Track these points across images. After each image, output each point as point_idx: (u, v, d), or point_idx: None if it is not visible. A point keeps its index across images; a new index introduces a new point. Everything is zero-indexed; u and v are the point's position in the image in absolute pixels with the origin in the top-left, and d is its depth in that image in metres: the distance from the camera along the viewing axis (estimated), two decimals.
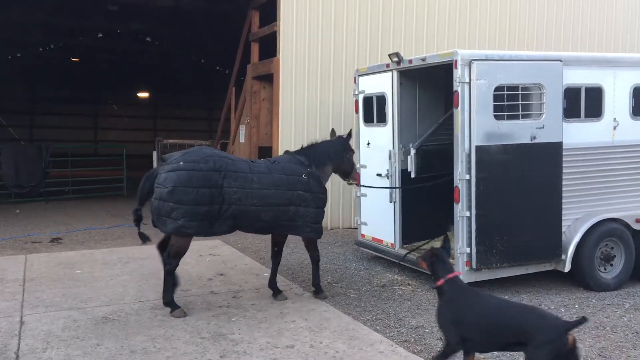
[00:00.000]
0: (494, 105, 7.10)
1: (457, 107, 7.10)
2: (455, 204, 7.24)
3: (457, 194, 7.18)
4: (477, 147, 7.05)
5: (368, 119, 9.19)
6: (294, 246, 10.40)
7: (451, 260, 7.63)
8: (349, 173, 7.66)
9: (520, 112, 7.27)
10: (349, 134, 7.77)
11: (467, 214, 7.12)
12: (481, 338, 4.46)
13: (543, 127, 7.30)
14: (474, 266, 7.15)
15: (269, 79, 13.06)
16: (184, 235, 6.47)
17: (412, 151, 8.48)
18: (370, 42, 12.61)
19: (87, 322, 6.34)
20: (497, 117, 7.13)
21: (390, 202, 8.65)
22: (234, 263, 9.07)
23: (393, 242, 8.71)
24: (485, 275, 7.35)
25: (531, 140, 7.26)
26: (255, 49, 14.22)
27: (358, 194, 9.39)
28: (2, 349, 5.57)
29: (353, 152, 7.77)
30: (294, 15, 12.04)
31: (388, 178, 8.68)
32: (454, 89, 7.11)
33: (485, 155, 7.09)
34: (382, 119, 8.84)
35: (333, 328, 6.21)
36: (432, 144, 8.92)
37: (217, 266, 8.84)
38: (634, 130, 8.08)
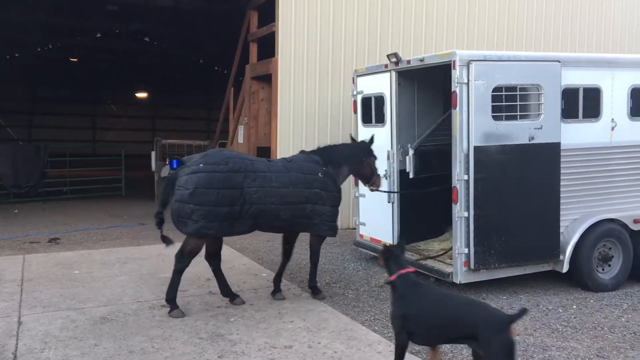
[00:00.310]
0: (492, 106, 7.11)
1: (455, 108, 7.11)
2: (453, 205, 7.24)
3: (456, 194, 7.18)
4: (476, 148, 7.06)
5: (366, 120, 9.19)
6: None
7: (449, 261, 7.69)
8: (370, 178, 7.67)
9: (518, 113, 7.27)
10: (371, 140, 7.79)
11: (466, 214, 7.13)
12: (429, 331, 4.62)
13: (541, 128, 7.30)
14: (472, 266, 7.15)
15: (267, 79, 13.06)
16: (204, 236, 6.57)
17: (411, 152, 8.48)
18: (368, 43, 12.61)
19: (85, 322, 6.34)
20: (495, 118, 7.14)
21: (389, 202, 8.65)
22: (232, 263, 9.07)
23: (391, 243, 8.70)
24: (484, 275, 7.36)
25: (529, 140, 7.27)
26: (253, 49, 14.22)
27: (357, 194, 9.39)
28: (0, 350, 5.57)
29: (375, 157, 7.75)
30: (292, 16, 12.04)
31: (386, 178, 8.68)
32: (452, 89, 7.11)
33: (483, 156, 7.09)
34: (380, 120, 8.85)
35: (331, 328, 6.21)
36: (431, 144, 8.93)
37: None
38: (632, 131, 8.09)
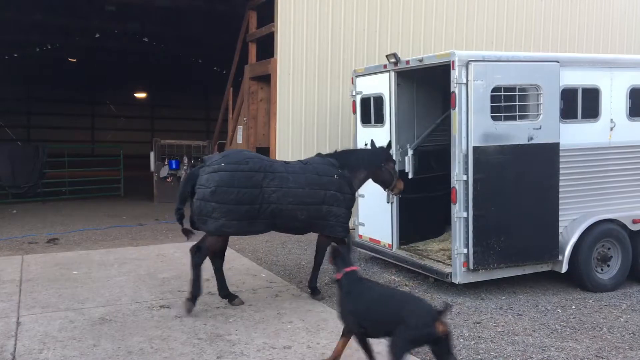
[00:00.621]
0: (491, 106, 7.11)
1: (454, 108, 7.11)
2: (452, 205, 7.24)
3: (455, 194, 7.18)
4: (475, 148, 7.06)
5: (365, 120, 9.19)
6: (292, 247, 10.41)
7: (448, 261, 7.69)
8: (389, 183, 7.70)
9: (517, 113, 7.28)
10: (389, 145, 7.87)
11: (465, 214, 7.12)
12: (370, 325, 4.86)
13: (540, 128, 7.31)
14: (471, 267, 7.15)
15: (266, 79, 13.05)
16: (223, 234, 6.71)
17: (410, 152, 8.49)
18: (367, 43, 12.62)
19: (83, 322, 6.33)
20: (494, 118, 7.14)
21: (388, 202, 8.65)
22: (231, 264, 9.05)
23: (390, 243, 8.71)
24: (483, 275, 7.36)
25: (528, 141, 7.27)
26: (252, 49, 14.21)
27: (356, 195, 9.38)
28: None
29: (394, 162, 7.80)
30: (291, 16, 12.04)
31: None
32: (452, 89, 7.11)
33: (482, 156, 7.09)
34: (379, 120, 8.85)
35: (330, 329, 6.20)
36: (430, 144, 8.94)
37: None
38: (630, 131, 8.10)
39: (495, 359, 5.56)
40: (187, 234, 6.79)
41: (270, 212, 6.68)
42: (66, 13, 17.79)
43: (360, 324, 4.90)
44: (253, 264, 9.09)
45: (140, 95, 36.07)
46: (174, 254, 9.56)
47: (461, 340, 6.02)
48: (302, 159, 7.54)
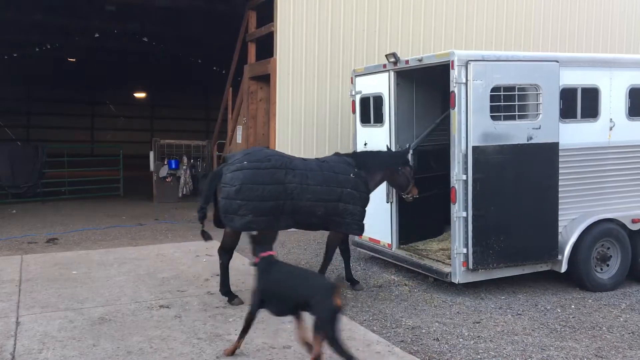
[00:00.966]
0: (491, 106, 7.11)
1: (453, 108, 7.11)
2: (452, 205, 7.24)
3: (454, 194, 7.18)
4: (474, 148, 7.06)
5: (365, 120, 9.19)
6: (291, 247, 10.40)
7: (448, 261, 7.69)
8: (405, 187, 7.83)
9: (516, 113, 7.27)
10: (408, 148, 7.97)
11: (464, 214, 7.13)
12: (280, 302, 5.23)
13: (539, 128, 7.31)
14: (470, 266, 7.15)
15: (266, 79, 13.05)
16: (251, 230, 6.73)
17: (409, 151, 8.48)
18: (367, 43, 12.62)
19: (83, 322, 6.33)
20: (493, 118, 7.14)
21: (387, 202, 8.65)
22: (231, 263, 9.01)
23: (390, 243, 8.71)
24: (482, 275, 7.36)
25: (528, 140, 7.27)
26: (252, 49, 14.21)
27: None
28: None
29: (411, 167, 7.92)
30: (291, 16, 12.04)
31: None
32: (451, 89, 7.11)
33: (481, 156, 7.09)
34: (379, 120, 8.85)
35: None
36: (429, 144, 8.94)
37: (214, 267, 8.80)
38: (630, 131, 8.10)
39: (494, 359, 5.57)
40: (205, 236, 6.86)
41: (292, 208, 6.85)
42: (66, 13, 17.78)
43: (267, 301, 5.29)
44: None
45: (140, 95, 36.03)
46: (173, 254, 9.56)
47: (460, 339, 6.02)
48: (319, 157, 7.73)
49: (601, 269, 7.85)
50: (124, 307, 6.87)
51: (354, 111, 9.42)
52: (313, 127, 12.26)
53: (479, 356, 5.62)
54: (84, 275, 8.26)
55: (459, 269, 7.21)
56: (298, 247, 10.41)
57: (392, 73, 8.47)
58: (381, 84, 8.68)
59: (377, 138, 8.86)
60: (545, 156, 7.38)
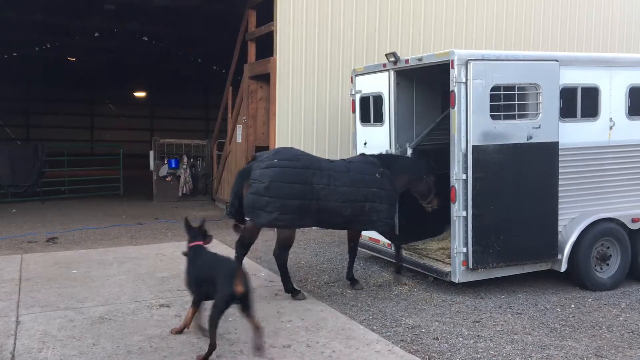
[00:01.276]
0: (491, 105, 7.11)
1: (453, 107, 7.11)
2: (452, 204, 7.24)
3: (454, 193, 7.18)
4: (474, 147, 7.06)
5: (365, 119, 9.19)
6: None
7: (448, 260, 7.69)
8: (426, 196, 7.90)
9: (516, 112, 7.27)
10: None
11: (464, 213, 7.13)
12: (200, 290, 5.63)
13: (539, 127, 7.31)
14: (470, 266, 7.15)
15: (266, 78, 13.05)
16: (276, 227, 7.07)
17: (409, 151, 8.49)
18: (367, 42, 12.62)
19: (83, 322, 6.33)
20: (493, 117, 7.14)
21: None
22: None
23: (390, 242, 8.70)
24: (482, 275, 7.36)
25: (527, 140, 7.27)
26: (252, 48, 14.21)
27: None
28: None
29: (435, 177, 7.93)
30: (290, 15, 12.03)
31: None
32: (451, 88, 7.11)
33: (481, 155, 7.10)
34: (378, 119, 8.85)
35: (330, 328, 6.21)
36: (429, 143, 8.93)
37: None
38: (630, 130, 8.10)
39: (494, 358, 5.57)
40: (237, 230, 7.20)
41: (318, 207, 6.99)
42: (66, 12, 17.77)
43: (194, 289, 5.72)
44: (252, 263, 9.08)
45: (140, 94, 36.02)
46: (173, 253, 9.56)
47: (460, 339, 6.02)
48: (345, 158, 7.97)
49: (601, 269, 7.86)
50: (124, 306, 6.87)
51: (353, 110, 9.42)
52: (313, 126, 12.26)
53: (478, 355, 5.62)
54: (84, 275, 8.26)
55: (459, 268, 7.21)
56: (298, 246, 10.40)
57: (392, 72, 8.47)
58: (381, 84, 8.68)
59: (376, 137, 8.86)
60: (545, 155, 7.38)
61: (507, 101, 7.20)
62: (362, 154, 7.96)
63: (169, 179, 16.41)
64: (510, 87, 7.23)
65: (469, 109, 7.04)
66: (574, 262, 7.61)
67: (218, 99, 18.13)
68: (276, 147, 11.98)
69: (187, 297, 7.17)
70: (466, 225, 7.13)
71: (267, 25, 12.80)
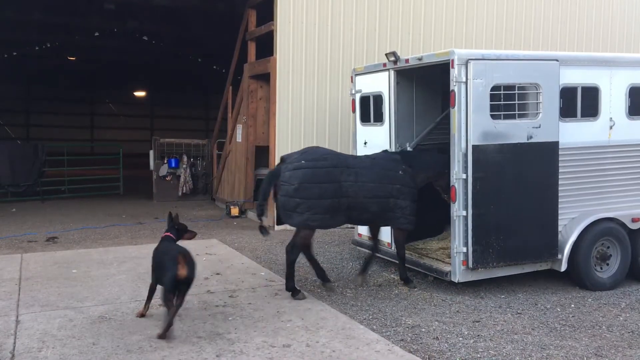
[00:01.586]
0: (491, 105, 7.10)
1: (453, 107, 7.10)
2: (452, 204, 7.24)
3: (454, 193, 7.18)
4: (474, 147, 7.05)
5: (365, 119, 9.19)
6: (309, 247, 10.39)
7: (448, 260, 7.69)
8: (447, 190, 7.87)
9: (516, 112, 7.27)
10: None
11: (464, 213, 7.12)
12: (154, 274, 6.22)
13: (539, 127, 7.30)
14: (470, 265, 7.15)
15: (266, 78, 13.05)
16: (308, 227, 7.13)
17: (409, 150, 8.47)
18: (367, 42, 12.61)
19: (83, 321, 6.33)
20: (493, 117, 7.13)
21: None
22: (231, 262, 9.07)
23: (390, 242, 8.70)
24: (482, 274, 7.36)
25: (528, 139, 7.27)
26: (252, 48, 14.21)
27: None
28: None
29: None
30: (290, 14, 12.03)
31: None
32: (451, 88, 7.11)
33: (481, 155, 7.09)
34: (379, 119, 8.84)
35: (329, 327, 6.21)
36: (429, 143, 8.93)
37: (214, 265, 8.83)
38: (630, 130, 8.10)
39: (494, 358, 5.57)
40: (263, 231, 7.31)
41: (347, 205, 7.14)
42: (66, 12, 17.77)
43: (152, 275, 6.26)
44: (252, 263, 9.09)
45: (140, 94, 36.03)
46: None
47: (460, 338, 6.02)
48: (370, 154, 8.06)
49: (601, 268, 7.85)
50: (124, 305, 6.87)
51: (353, 110, 9.41)
52: (313, 125, 12.25)
53: (478, 355, 5.62)
54: (84, 274, 8.26)
55: (459, 267, 7.21)
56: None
57: (392, 72, 8.47)
58: (381, 83, 8.68)
59: (377, 137, 8.86)
60: (545, 155, 7.38)
61: (507, 101, 7.20)
62: (385, 151, 8.09)
63: (169, 178, 16.42)
64: (511, 87, 7.23)
65: (469, 109, 7.04)
66: (574, 262, 7.61)
67: (218, 99, 18.13)
68: (276, 146, 12.01)
69: (187, 297, 7.16)
70: (466, 225, 7.13)
71: (267, 25, 12.80)
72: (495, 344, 5.88)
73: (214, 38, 20.01)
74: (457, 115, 7.07)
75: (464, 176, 7.10)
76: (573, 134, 7.64)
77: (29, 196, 16.03)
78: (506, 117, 7.22)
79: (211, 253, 9.67)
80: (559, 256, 7.53)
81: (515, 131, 7.24)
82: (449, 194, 7.74)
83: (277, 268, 8.78)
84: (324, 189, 6.96)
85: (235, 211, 13.61)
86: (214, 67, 26.88)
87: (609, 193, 8.01)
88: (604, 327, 6.42)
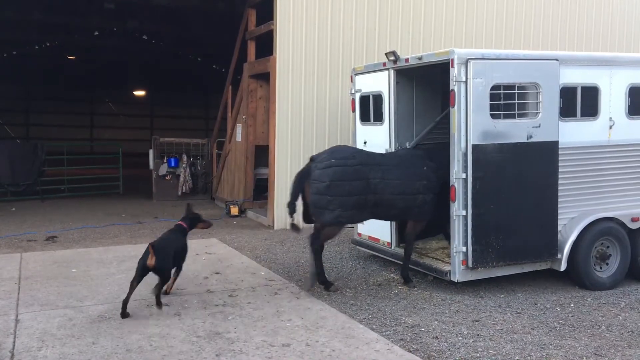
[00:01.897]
0: (491, 105, 7.10)
1: (453, 106, 7.10)
2: (451, 203, 7.24)
3: (454, 193, 7.18)
4: (474, 146, 7.05)
5: (365, 118, 9.19)
6: (290, 245, 10.41)
7: (447, 259, 7.68)
8: None
9: (516, 111, 7.27)
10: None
11: (464, 212, 7.12)
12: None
13: (539, 126, 7.30)
14: (470, 265, 7.15)
15: (265, 77, 13.04)
16: (339, 224, 7.38)
17: None
18: (367, 41, 12.61)
19: (82, 320, 6.33)
20: (493, 116, 7.13)
21: None
22: (230, 262, 9.07)
23: (389, 241, 8.71)
24: (482, 274, 7.36)
25: (527, 139, 7.27)
26: (251, 47, 14.20)
27: None
28: None
29: None
30: (290, 14, 12.02)
31: None
32: (451, 88, 7.11)
33: (481, 154, 7.09)
34: (378, 118, 8.84)
35: (329, 327, 6.21)
36: (429, 142, 8.92)
37: (213, 265, 8.83)
38: (630, 130, 8.10)
39: (494, 357, 5.57)
40: (294, 229, 7.42)
41: (375, 201, 7.31)
42: (65, 11, 17.77)
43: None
44: (252, 262, 9.09)
45: (140, 93, 36.00)
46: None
47: (460, 338, 6.03)
48: (392, 150, 8.35)
49: (600, 268, 7.86)
50: None
51: (353, 109, 9.41)
52: (313, 125, 12.24)
53: (478, 354, 5.62)
54: (84, 273, 8.26)
55: (459, 267, 7.21)
56: (297, 245, 10.41)
57: (391, 71, 8.47)
58: (381, 83, 8.67)
59: (376, 136, 8.86)
60: (544, 155, 7.38)
61: (507, 100, 7.20)
62: (406, 147, 8.28)
63: (168, 177, 16.41)
64: (510, 86, 7.22)
65: (469, 108, 7.03)
66: (573, 262, 7.61)
67: (218, 98, 18.13)
68: (276, 145, 12.01)
69: (187, 296, 7.21)
70: (466, 225, 7.13)
71: (266, 24, 12.80)
72: (495, 344, 5.88)
73: (214, 37, 20.01)
74: (456, 114, 7.07)
75: (463, 176, 7.10)
76: (573, 133, 7.64)
77: (28, 195, 16.02)
78: (506, 116, 7.22)
79: (211, 252, 9.67)
80: (559, 256, 7.53)
81: (515, 131, 7.24)
82: None
83: (276, 267, 8.79)
84: (353, 186, 7.16)
85: (234, 210, 13.61)
86: (214, 66, 26.87)
87: (609, 193, 8.01)
88: (603, 326, 6.43)
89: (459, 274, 7.23)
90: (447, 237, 8.02)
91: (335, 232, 7.60)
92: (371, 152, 7.82)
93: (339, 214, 7.18)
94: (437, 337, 6.05)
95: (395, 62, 8.29)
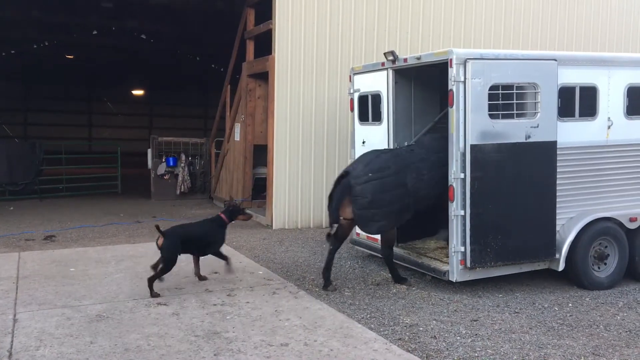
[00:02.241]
0: (489, 104, 7.10)
1: (452, 106, 7.11)
2: (450, 203, 7.24)
3: (452, 192, 7.18)
4: (472, 146, 7.06)
5: (363, 118, 9.19)
6: (289, 245, 10.41)
7: (446, 259, 7.69)
8: None
9: (515, 111, 7.28)
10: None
11: (462, 212, 7.13)
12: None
13: (538, 126, 7.31)
14: (468, 265, 7.15)
15: (264, 77, 13.04)
16: (385, 232, 7.70)
17: None
18: (365, 41, 12.60)
19: (80, 320, 6.32)
20: (491, 116, 7.13)
21: None
22: (234, 262, 9.04)
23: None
24: (480, 274, 7.36)
25: (526, 139, 7.27)
26: (250, 46, 14.20)
27: None
28: None
29: None
30: (289, 13, 12.02)
31: None
32: (449, 87, 7.11)
33: (479, 154, 7.09)
34: (377, 118, 8.85)
35: (327, 326, 6.21)
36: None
37: (212, 265, 8.80)
38: (628, 130, 8.10)
39: (492, 357, 5.57)
40: (329, 239, 7.61)
41: (414, 202, 7.54)
42: (64, 10, 17.75)
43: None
44: (250, 262, 9.09)
45: (138, 92, 35.98)
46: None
47: (458, 337, 6.03)
48: (409, 144, 8.37)
49: (598, 268, 7.86)
50: (122, 304, 6.86)
51: (352, 109, 9.41)
52: (311, 125, 12.24)
53: (476, 354, 5.62)
54: (82, 273, 8.25)
55: (457, 267, 7.21)
56: (296, 244, 10.42)
57: (390, 71, 8.47)
58: (379, 82, 8.68)
59: (375, 136, 8.86)
60: (543, 155, 7.38)
61: (505, 100, 7.20)
62: (411, 144, 8.31)
63: (167, 177, 16.40)
64: (509, 87, 7.23)
65: (468, 108, 7.04)
66: (571, 261, 7.61)
67: (216, 98, 18.11)
68: (275, 145, 11.99)
69: (185, 295, 7.21)
70: (464, 225, 7.13)
71: (265, 24, 12.79)
72: (493, 343, 5.89)
73: (213, 37, 20.00)
74: (455, 114, 7.07)
75: (462, 175, 7.10)
76: (571, 133, 7.65)
77: (26, 194, 16.01)
78: (504, 116, 7.22)
79: None
80: (557, 255, 7.54)
81: (514, 131, 7.25)
82: None
83: (275, 267, 8.78)
84: (394, 195, 7.37)
85: None
86: (213, 65, 26.85)
87: (607, 193, 8.02)
88: (601, 326, 6.43)
89: (457, 274, 7.24)
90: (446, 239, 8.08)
91: (393, 235, 7.83)
92: (400, 152, 7.87)
93: (384, 223, 7.46)
94: (435, 336, 6.05)
95: (393, 61, 8.29)
